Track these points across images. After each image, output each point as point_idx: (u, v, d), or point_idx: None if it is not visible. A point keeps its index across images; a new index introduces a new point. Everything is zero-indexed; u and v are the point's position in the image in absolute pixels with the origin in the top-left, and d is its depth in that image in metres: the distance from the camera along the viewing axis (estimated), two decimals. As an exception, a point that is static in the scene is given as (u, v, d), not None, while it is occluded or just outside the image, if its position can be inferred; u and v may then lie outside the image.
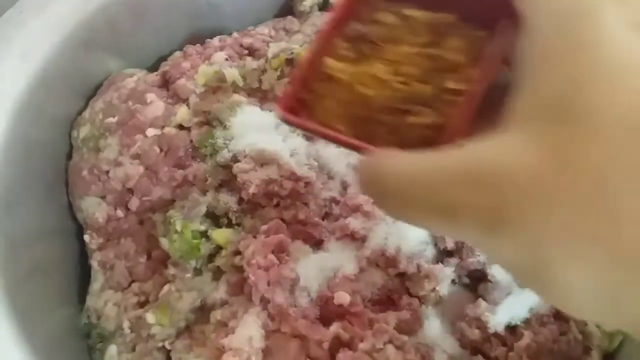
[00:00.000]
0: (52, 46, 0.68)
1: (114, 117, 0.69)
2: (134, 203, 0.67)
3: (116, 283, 0.68)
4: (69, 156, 0.72)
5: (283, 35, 0.83)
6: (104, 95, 0.72)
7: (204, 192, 0.64)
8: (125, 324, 0.64)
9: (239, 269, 0.60)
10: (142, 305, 0.66)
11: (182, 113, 0.69)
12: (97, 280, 0.70)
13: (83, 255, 0.73)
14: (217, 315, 0.59)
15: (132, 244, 0.68)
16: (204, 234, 0.62)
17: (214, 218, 0.64)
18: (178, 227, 0.60)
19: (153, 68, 0.81)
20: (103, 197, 0.69)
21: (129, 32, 0.77)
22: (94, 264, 0.70)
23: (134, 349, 0.63)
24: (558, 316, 0.60)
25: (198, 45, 0.81)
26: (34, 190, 0.66)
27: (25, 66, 0.65)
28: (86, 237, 0.70)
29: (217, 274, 0.63)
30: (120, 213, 0.68)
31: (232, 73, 0.70)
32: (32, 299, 0.63)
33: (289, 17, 0.84)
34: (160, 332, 0.61)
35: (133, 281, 0.68)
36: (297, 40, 0.80)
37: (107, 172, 0.69)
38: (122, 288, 0.68)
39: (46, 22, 0.68)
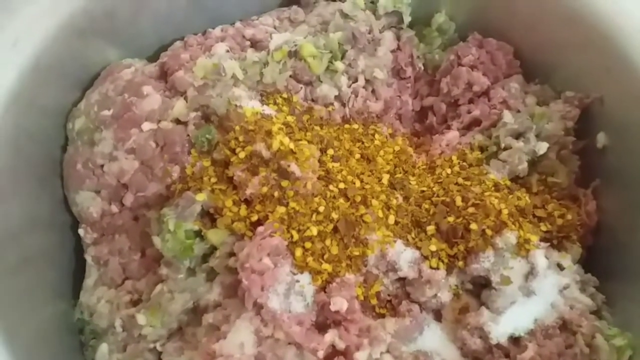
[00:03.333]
0: (46, 34, 0.65)
1: (109, 109, 0.67)
2: (129, 198, 0.66)
3: (110, 279, 0.66)
4: (65, 148, 0.70)
5: (287, 25, 0.80)
6: (99, 86, 0.70)
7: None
8: (118, 323, 0.63)
9: (234, 271, 0.58)
10: (135, 303, 0.64)
11: (179, 107, 0.66)
12: (91, 276, 0.68)
13: (79, 249, 0.71)
14: (209, 318, 0.57)
15: (127, 241, 0.66)
16: (198, 234, 0.60)
17: (210, 217, 0.62)
18: (171, 227, 0.58)
19: (154, 57, 0.78)
20: (97, 192, 0.67)
21: (128, 20, 0.74)
22: (89, 258, 0.69)
23: (125, 349, 0.62)
24: (564, 328, 0.57)
25: (199, 35, 0.78)
26: (25, 182, 0.64)
27: (16, 55, 0.62)
28: (81, 231, 0.69)
29: (211, 274, 0.61)
30: (114, 208, 0.67)
31: (231, 66, 0.68)
32: (21, 293, 0.62)
33: (294, 7, 0.81)
34: (151, 333, 0.60)
35: (127, 278, 0.66)
36: (302, 31, 0.77)
37: (102, 166, 0.67)
38: (116, 285, 0.66)
39: (39, 9, 0.65)
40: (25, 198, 0.64)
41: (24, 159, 0.64)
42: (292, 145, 0.60)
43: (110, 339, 0.63)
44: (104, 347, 0.63)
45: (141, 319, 0.59)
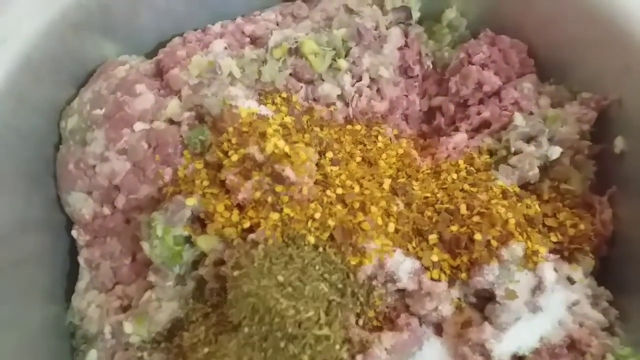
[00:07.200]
0: (37, 30, 0.63)
1: (101, 108, 0.65)
2: (120, 201, 0.63)
3: (100, 284, 0.65)
4: (58, 147, 0.68)
5: (290, 21, 0.77)
6: (93, 84, 0.68)
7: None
8: (107, 329, 0.61)
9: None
10: (124, 309, 0.62)
11: (173, 106, 0.64)
12: (83, 279, 0.67)
13: (73, 250, 0.69)
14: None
15: (118, 244, 0.64)
16: (188, 240, 0.58)
17: (201, 222, 0.59)
18: (159, 232, 0.56)
19: (153, 54, 0.75)
20: (89, 193, 0.65)
21: (126, 14, 0.72)
22: (81, 261, 0.67)
23: (113, 357, 0.60)
24: (572, 347, 0.54)
25: (199, 31, 0.75)
26: (15, 181, 0.62)
27: (5, 51, 0.60)
28: (74, 233, 0.67)
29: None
30: (106, 210, 0.65)
31: (228, 64, 0.65)
32: (11, 295, 0.60)
33: (298, 2, 0.78)
34: (138, 342, 0.57)
35: (117, 283, 0.64)
36: (305, 27, 0.74)
37: (94, 167, 0.65)
38: (106, 289, 0.64)
39: (31, 2, 0.63)
40: (16, 198, 0.62)
41: (13, 157, 0.62)
42: (287, 149, 0.57)
43: (100, 345, 0.61)
44: (92, 354, 0.61)
45: (127, 327, 0.57)
